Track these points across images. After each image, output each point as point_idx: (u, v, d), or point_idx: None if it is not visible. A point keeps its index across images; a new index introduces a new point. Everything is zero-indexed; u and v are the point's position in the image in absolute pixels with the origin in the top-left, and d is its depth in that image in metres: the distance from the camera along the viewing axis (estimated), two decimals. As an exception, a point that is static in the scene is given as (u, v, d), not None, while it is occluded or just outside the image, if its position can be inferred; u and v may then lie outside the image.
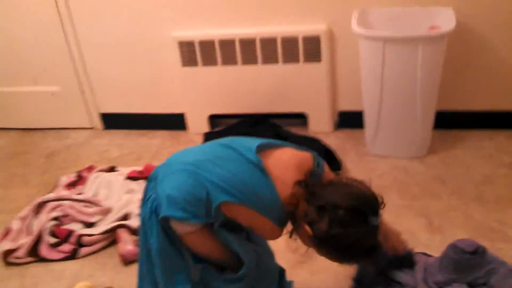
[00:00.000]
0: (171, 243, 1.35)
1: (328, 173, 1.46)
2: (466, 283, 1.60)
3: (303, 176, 1.32)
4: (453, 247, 1.62)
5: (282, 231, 1.34)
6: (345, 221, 1.22)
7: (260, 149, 1.36)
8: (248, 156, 1.32)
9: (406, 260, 1.75)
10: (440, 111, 2.54)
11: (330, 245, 1.27)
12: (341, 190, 1.27)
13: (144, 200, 1.40)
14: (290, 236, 1.35)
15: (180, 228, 1.31)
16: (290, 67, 2.70)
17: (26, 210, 2.32)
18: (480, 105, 2.66)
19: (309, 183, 1.30)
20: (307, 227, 1.26)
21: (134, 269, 2.02)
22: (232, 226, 1.36)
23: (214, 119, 2.98)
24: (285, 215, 1.33)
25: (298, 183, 1.30)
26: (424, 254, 1.83)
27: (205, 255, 1.38)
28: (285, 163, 1.35)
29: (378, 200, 1.28)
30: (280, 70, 2.71)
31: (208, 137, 2.85)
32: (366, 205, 1.24)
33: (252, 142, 1.37)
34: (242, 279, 1.39)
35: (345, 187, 1.29)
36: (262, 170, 1.31)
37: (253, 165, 1.31)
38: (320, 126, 2.84)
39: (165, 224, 1.32)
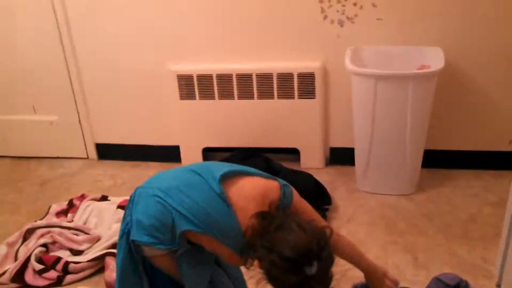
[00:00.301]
0: (133, 266, 1.46)
1: (297, 203, 1.44)
2: (448, 318, 1.60)
3: (266, 207, 1.34)
4: (436, 281, 1.64)
5: (243, 258, 1.35)
6: (283, 268, 1.23)
7: (225, 177, 1.39)
8: (212, 185, 1.37)
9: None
10: (428, 150, 2.59)
11: (271, 282, 1.28)
12: (287, 237, 1.24)
13: (123, 220, 1.48)
14: (246, 265, 1.35)
15: (147, 251, 1.43)
16: (285, 102, 2.76)
17: (15, 236, 2.33)
18: (468, 145, 2.72)
19: (267, 217, 1.30)
20: (256, 260, 1.30)
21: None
22: (200, 250, 1.42)
23: (208, 152, 3.02)
24: (246, 244, 1.34)
25: (256, 216, 1.31)
26: (409, 289, 1.84)
27: (171, 275, 1.48)
28: (249, 192, 1.37)
29: (320, 247, 1.24)
30: (275, 105, 2.78)
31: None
32: (303, 257, 1.21)
33: (218, 170, 1.40)
34: None
35: (291, 234, 1.25)
36: (224, 200, 1.35)
37: (216, 194, 1.36)
38: (311, 161, 2.88)
39: (134, 246, 1.42)
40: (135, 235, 1.39)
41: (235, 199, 1.36)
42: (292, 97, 2.75)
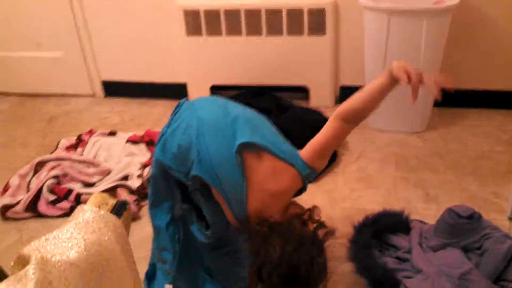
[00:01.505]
0: (163, 174, 1.46)
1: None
2: (460, 248, 1.62)
3: (281, 209, 1.31)
4: (450, 211, 1.64)
5: (241, 223, 1.33)
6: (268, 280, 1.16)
7: (246, 146, 1.31)
8: (232, 148, 1.31)
9: (402, 225, 1.77)
10: (441, 89, 2.54)
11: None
12: (282, 249, 1.16)
13: (168, 123, 1.49)
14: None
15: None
16: (294, 39, 2.70)
17: (26, 168, 2.33)
18: (480, 84, 2.68)
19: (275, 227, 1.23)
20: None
21: (131, 227, 2.05)
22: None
23: (215, 90, 2.99)
24: (245, 217, 1.31)
25: (261, 222, 1.26)
26: (420, 221, 1.85)
27: None
28: (266, 180, 1.32)
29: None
30: (284, 42, 2.72)
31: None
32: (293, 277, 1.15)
33: (242, 134, 1.33)
34: (210, 237, 1.44)
35: (287, 244, 1.17)
36: (241, 172, 1.30)
37: (233, 158, 1.30)
38: (321, 100, 2.85)
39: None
40: (160, 154, 1.41)
41: (251, 176, 1.31)
42: (301, 33, 2.68)
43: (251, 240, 1.22)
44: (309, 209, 1.39)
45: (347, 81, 2.83)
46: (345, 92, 2.84)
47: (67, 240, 0.75)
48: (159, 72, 3.04)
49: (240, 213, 1.32)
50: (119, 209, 0.89)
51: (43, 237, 0.76)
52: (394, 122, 2.57)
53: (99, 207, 0.87)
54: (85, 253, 0.74)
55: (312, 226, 1.27)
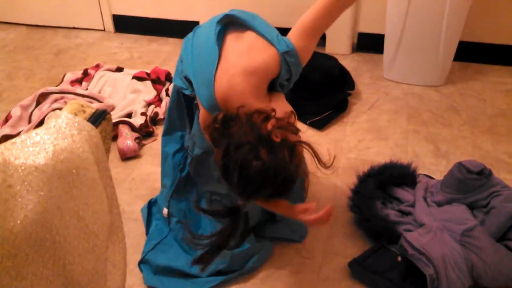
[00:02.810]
0: (178, 104, 1.56)
1: None
2: (466, 204, 1.55)
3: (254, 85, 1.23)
4: (459, 166, 1.57)
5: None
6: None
7: (228, 19, 1.31)
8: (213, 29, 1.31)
9: (408, 178, 1.71)
10: (462, 42, 2.41)
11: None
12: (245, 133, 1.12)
13: None
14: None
15: None
16: (312, -20, 2.56)
17: (28, 99, 2.28)
18: (505, 39, 2.53)
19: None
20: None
21: (131, 165, 2.02)
22: None
23: (228, 30, 2.87)
24: (214, 103, 1.26)
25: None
26: (427, 176, 1.79)
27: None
28: (241, 59, 1.25)
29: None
30: (301, -18, 2.58)
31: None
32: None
33: (234, 11, 1.31)
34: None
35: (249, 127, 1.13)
36: (217, 45, 1.27)
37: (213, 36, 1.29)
38: (337, 46, 2.73)
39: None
40: (175, 79, 1.46)
41: (227, 55, 1.27)
42: (322, -26, 2.54)
43: (210, 135, 1.19)
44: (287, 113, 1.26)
45: (366, 28, 2.70)
46: (364, 40, 2.73)
47: (34, 145, 0.69)
48: (172, 8, 2.92)
49: (208, 97, 1.25)
50: (97, 118, 0.81)
51: (9, 140, 0.70)
52: (411, 75, 2.45)
53: (75, 114, 0.80)
54: (53, 159, 0.68)
55: (272, 126, 1.13)
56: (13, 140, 0.70)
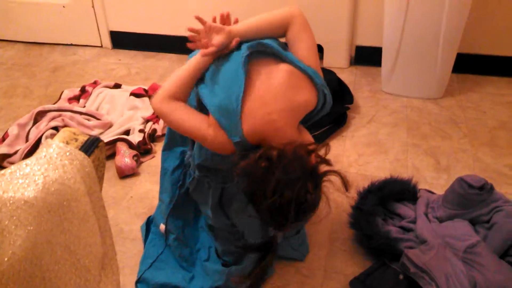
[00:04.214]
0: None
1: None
2: (468, 220, 1.53)
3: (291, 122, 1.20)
4: (460, 181, 1.55)
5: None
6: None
7: (253, 49, 1.23)
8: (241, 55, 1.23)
9: (409, 193, 1.69)
10: (461, 54, 2.41)
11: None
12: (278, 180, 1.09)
13: None
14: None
15: None
16: (310, -6, 2.56)
17: (26, 117, 2.27)
18: (503, 50, 2.52)
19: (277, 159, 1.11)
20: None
21: (129, 183, 2.00)
22: None
23: (225, 45, 2.87)
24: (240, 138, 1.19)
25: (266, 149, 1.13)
26: (428, 191, 1.77)
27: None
28: (277, 92, 1.19)
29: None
30: (300, -3, 2.57)
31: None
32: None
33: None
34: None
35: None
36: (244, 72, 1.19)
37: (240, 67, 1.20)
38: (335, 60, 2.72)
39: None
40: None
41: (254, 82, 1.19)
42: (319, -12, 2.54)
43: (249, 171, 1.11)
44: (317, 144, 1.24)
45: (363, 41, 2.69)
46: (361, 53, 2.72)
47: (24, 177, 0.67)
48: (169, 24, 2.92)
49: (233, 127, 1.18)
50: (90, 146, 0.79)
51: None
52: (409, 87, 2.44)
53: (67, 143, 0.78)
54: (43, 191, 0.66)
55: (315, 160, 1.14)
56: (2, 171, 0.68)
